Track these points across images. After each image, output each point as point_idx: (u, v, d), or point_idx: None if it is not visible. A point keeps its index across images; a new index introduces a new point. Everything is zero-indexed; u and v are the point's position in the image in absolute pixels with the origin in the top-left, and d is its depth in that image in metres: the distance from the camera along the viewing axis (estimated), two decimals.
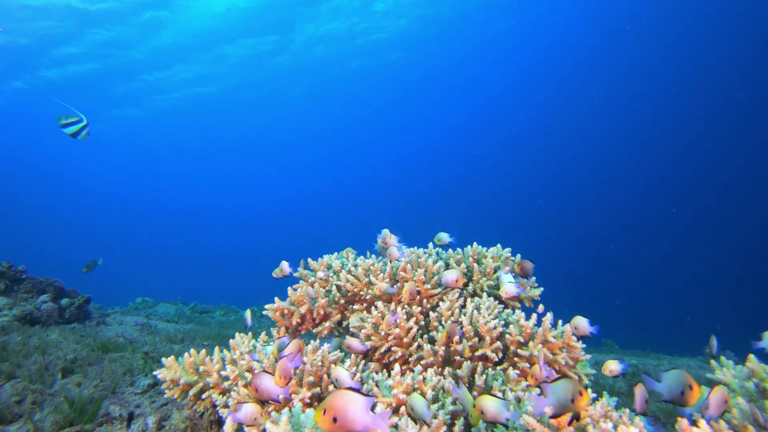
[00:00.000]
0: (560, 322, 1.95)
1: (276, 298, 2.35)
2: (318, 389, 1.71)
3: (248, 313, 2.41)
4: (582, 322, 1.93)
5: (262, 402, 1.63)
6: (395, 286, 2.24)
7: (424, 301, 2.18)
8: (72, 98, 20.11)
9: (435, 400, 1.60)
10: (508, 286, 2.09)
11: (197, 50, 18.37)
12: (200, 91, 21.83)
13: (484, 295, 2.21)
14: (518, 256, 2.43)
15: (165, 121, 24.45)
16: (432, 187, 40.60)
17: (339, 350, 2.05)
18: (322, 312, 2.27)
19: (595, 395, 1.50)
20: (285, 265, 2.32)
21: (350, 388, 1.16)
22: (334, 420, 1.09)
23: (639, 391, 1.54)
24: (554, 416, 1.23)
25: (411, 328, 2.01)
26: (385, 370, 1.95)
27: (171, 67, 19.33)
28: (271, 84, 22.23)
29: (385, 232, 2.27)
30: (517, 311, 2.09)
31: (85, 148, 26.60)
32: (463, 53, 22.16)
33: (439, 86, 26.02)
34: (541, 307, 2.10)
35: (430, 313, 2.10)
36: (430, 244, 2.56)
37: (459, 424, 1.48)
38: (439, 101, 28.23)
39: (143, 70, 19.22)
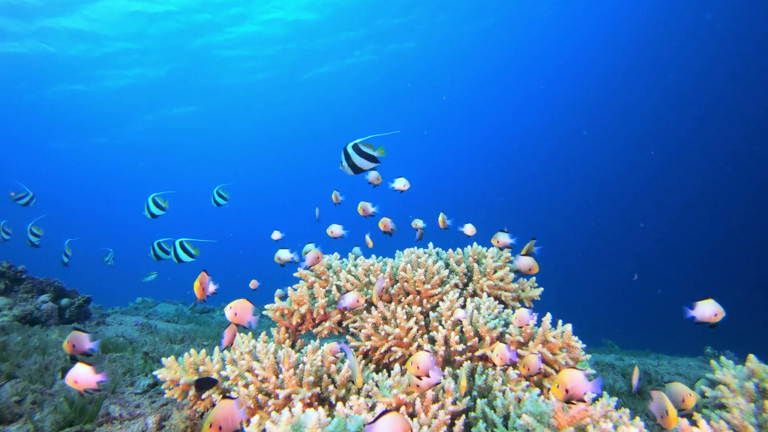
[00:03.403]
0: (560, 322, 1.95)
1: (276, 298, 2.36)
2: (318, 389, 1.71)
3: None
4: (503, 236, 2.30)
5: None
6: (395, 286, 2.24)
7: (424, 301, 2.18)
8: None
9: (435, 400, 1.60)
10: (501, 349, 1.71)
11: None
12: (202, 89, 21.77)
13: (484, 295, 2.21)
14: (518, 256, 2.43)
15: (167, 120, 24.40)
16: (432, 187, 40.61)
17: (339, 350, 2.05)
18: (322, 312, 2.27)
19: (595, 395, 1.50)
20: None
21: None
22: None
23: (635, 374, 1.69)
24: None
25: (411, 328, 2.01)
26: (385, 370, 1.95)
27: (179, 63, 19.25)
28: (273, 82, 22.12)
29: (418, 221, 2.79)
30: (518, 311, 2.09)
31: (86, 148, 26.55)
32: (471, 57, 22.20)
33: (440, 88, 26.04)
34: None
35: (430, 313, 2.10)
36: (430, 244, 2.56)
37: (459, 423, 1.48)
38: (444, 104, 28.26)
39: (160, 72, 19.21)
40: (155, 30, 16.09)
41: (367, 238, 2.74)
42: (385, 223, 2.67)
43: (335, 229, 2.67)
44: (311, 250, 2.18)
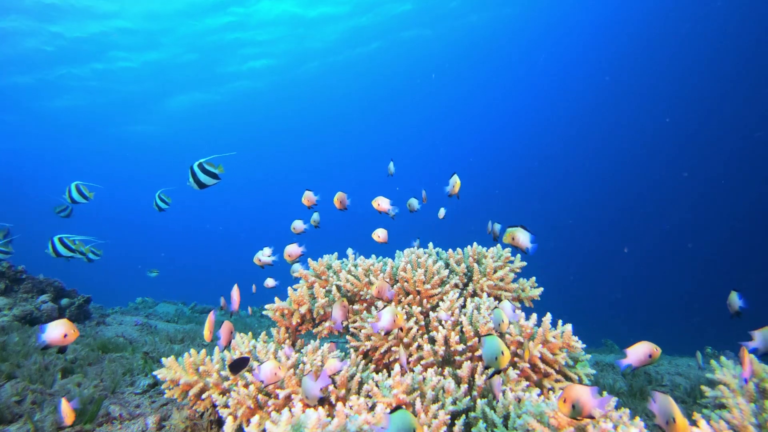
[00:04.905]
0: (560, 321, 1.94)
1: (276, 298, 2.36)
2: None
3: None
4: (522, 234, 1.97)
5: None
6: (395, 285, 2.24)
7: (424, 301, 2.18)
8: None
9: (435, 400, 1.60)
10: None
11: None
12: (202, 98, 21.76)
13: (484, 295, 2.21)
14: (518, 256, 2.43)
15: (168, 123, 24.40)
16: (432, 184, 40.54)
17: (338, 350, 2.05)
18: (322, 312, 2.27)
19: None
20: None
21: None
22: None
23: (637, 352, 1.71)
24: None
25: (411, 328, 2.01)
26: (385, 370, 1.94)
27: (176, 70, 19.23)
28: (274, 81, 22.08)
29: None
30: (518, 311, 2.09)
31: (88, 149, 26.52)
32: (477, 57, 22.16)
33: (437, 88, 26.04)
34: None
35: (430, 313, 2.10)
36: (431, 244, 2.56)
37: (459, 423, 1.48)
38: (441, 104, 28.26)
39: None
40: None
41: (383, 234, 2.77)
42: (341, 198, 2.73)
43: (297, 225, 2.78)
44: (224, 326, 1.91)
